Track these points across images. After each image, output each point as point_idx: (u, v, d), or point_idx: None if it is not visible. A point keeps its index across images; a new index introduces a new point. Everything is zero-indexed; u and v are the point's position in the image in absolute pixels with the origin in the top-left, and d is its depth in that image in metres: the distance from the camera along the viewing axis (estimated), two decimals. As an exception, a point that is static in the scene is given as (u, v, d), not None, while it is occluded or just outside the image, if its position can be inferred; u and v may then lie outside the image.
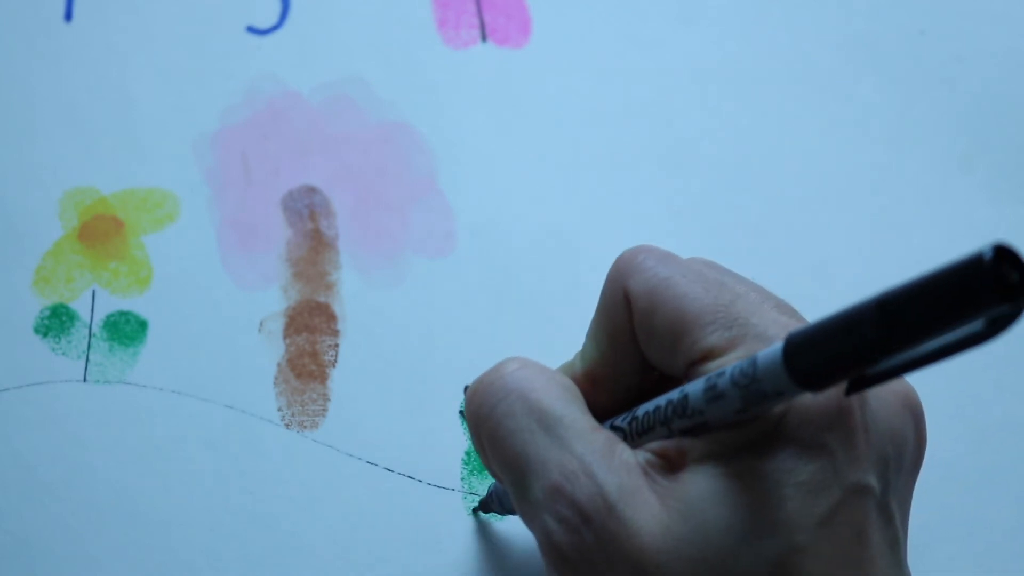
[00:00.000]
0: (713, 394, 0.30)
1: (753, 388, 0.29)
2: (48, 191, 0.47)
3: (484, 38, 0.51)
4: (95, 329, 0.45)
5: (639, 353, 0.34)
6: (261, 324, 0.45)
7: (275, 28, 0.51)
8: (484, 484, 0.43)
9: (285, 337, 0.45)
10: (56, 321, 0.45)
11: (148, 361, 0.45)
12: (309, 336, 0.45)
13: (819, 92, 0.51)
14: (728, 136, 0.50)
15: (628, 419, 0.33)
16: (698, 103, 0.51)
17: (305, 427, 0.44)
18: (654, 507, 0.30)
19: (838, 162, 0.50)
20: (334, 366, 0.45)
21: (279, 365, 0.45)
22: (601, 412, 0.34)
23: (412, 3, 0.52)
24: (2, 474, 0.42)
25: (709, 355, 0.31)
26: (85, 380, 0.44)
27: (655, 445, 0.32)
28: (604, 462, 0.31)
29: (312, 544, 0.42)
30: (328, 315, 0.46)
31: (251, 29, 0.51)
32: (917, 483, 0.34)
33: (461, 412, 0.44)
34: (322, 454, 0.43)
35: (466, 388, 0.44)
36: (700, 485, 0.30)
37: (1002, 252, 0.23)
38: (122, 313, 0.45)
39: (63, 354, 0.45)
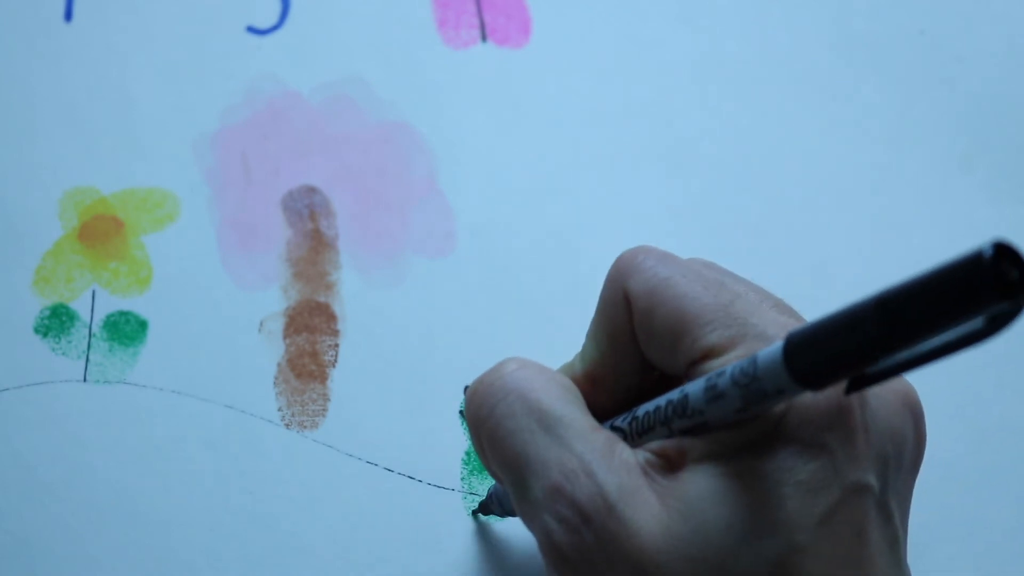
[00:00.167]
0: (713, 393, 0.30)
1: (753, 387, 0.29)
2: (48, 191, 0.47)
3: (484, 38, 0.51)
4: (95, 329, 0.45)
5: (639, 353, 0.34)
6: (261, 324, 0.45)
7: (275, 28, 0.51)
8: (484, 484, 0.43)
9: (285, 337, 0.45)
10: (56, 321, 0.45)
11: (148, 361, 0.45)
12: (309, 336, 0.45)
13: (819, 92, 0.51)
14: (728, 136, 0.50)
15: (628, 419, 0.33)
16: (698, 103, 0.51)
17: (305, 427, 0.44)
18: (654, 507, 0.30)
19: (838, 162, 0.50)
20: (334, 366, 0.45)
21: (279, 365, 0.45)
22: (601, 413, 0.34)
23: (412, 3, 0.52)
24: (2, 474, 0.42)
25: (709, 354, 0.31)
26: (85, 380, 0.44)
27: (655, 445, 0.32)
28: (604, 462, 0.31)
29: (312, 544, 0.42)
30: (328, 315, 0.46)
31: (251, 29, 0.51)
32: (917, 483, 0.34)
33: (461, 412, 0.44)
34: (322, 454, 0.43)
35: (466, 388, 0.44)
36: (700, 485, 0.30)
37: (1002, 249, 0.23)
38: (122, 313, 0.45)
39: (63, 354, 0.45)
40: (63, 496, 0.42)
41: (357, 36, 0.51)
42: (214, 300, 0.46)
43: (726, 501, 0.30)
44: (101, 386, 0.44)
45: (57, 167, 0.48)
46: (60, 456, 0.43)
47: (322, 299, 0.46)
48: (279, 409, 0.44)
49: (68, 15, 0.51)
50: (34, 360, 0.44)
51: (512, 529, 0.42)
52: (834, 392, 0.30)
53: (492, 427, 0.33)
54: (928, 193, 0.49)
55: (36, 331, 0.45)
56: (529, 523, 0.33)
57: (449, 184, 0.48)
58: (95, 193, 0.48)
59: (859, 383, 0.28)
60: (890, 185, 0.49)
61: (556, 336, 0.43)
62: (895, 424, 0.32)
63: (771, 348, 0.28)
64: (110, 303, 0.46)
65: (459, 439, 0.44)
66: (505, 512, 0.40)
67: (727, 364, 0.30)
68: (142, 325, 0.45)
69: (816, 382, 0.28)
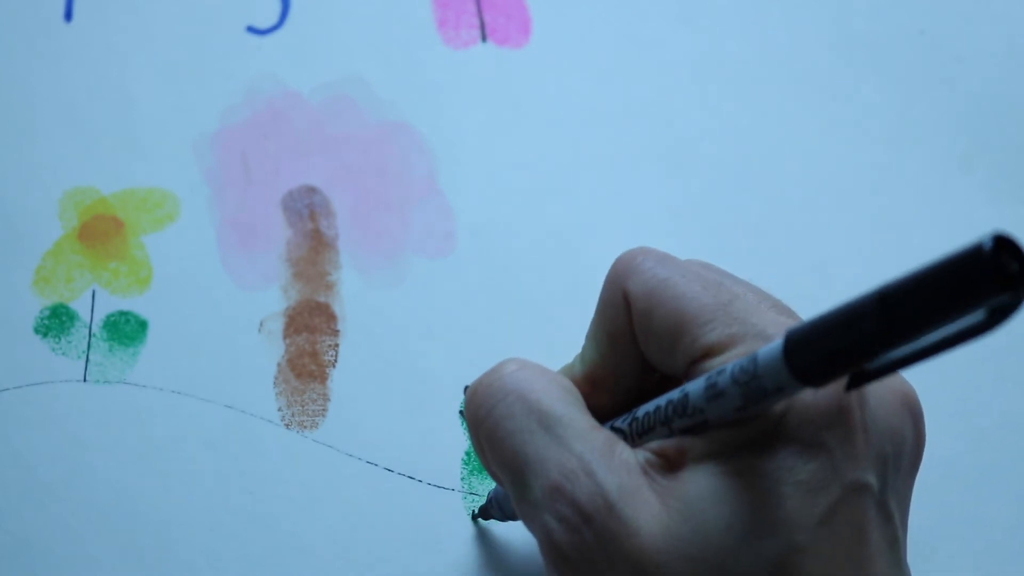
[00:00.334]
0: (713, 392, 0.30)
1: (753, 385, 0.29)
2: (48, 191, 0.47)
3: (484, 38, 0.51)
4: (95, 329, 0.45)
5: (639, 354, 0.34)
6: (261, 324, 0.45)
7: (275, 28, 0.51)
8: (484, 484, 0.43)
9: (285, 337, 0.45)
10: (56, 321, 0.45)
11: (148, 361, 0.45)
12: (309, 336, 0.45)
13: (819, 92, 0.51)
14: (728, 136, 0.50)
15: (628, 420, 0.33)
16: (698, 103, 0.51)
17: (305, 427, 0.44)
18: (654, 506, 0.30)
19: (838, 162, 0.50)
20: (334, 366, 0.45)
21: (279, 365, 0.45)
22: (602, 414, 0.34)
23: (412, 3, 0.52)
24: (2, 474, 0.42)
25: (709, 353, 0.31)
26: (85, 380, 0.44)
27: (655, 445, 0.32)
28: (604, 461, 0.31)
29: (312, 544, 0.42)
30: (328, 315, 0.46)
31: (251, 29, 0.51)
32: (917, 482, 0.34)
33: (461, 412, 0.44)
34: (322, 454, 0.43)
35: (466, 388, 0.44)
36: (700, 484, 0.30)
37: (1002, 242, 0.23)
38: (122, 313, 0.45)
39: (63, 354, 0.45)
40: (63, 496, 0.42)
41: (357, 36, 0.51)
42: (214, 300, 0.46)
43: (726, 500, 0.30)
44: (101, 386, 0.44)
45: (57, 167, 0.48)
46: (60, 456, 0.43)
47: (322, 299, 0.46)
48: (279, 409, 0.44)
49: (68, 15, 0.51)
50: (34, 360, 0.44)
51: (512, 529, 0.42)
52: (834, 392, 0.30)
53: (491, 427, 0.33)
54: (928, 193, 0.49)
55: (36, 331, 0.45)
56: (529, 523, 0.33)
57: (449, 184, 0.48)
58: (95, 193, 0.48)
59: (859, 379, 0.28)
60: (890, 185, 0.49)
61: (556, 336, 0.43)
62: (894, 424, 0.32)
63: (771, 345, 0.28)
64: (110, 303, 0.46)
65: (459, 439, 0.44)
66: (505, 516, 0.40)
67: (727, 362, 0.30)
68: (142, 325, 0.45)
69: (816, 379, 0.28)
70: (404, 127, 0.49)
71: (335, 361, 0.45)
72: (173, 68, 0.50)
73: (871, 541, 0.30)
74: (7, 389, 0.44)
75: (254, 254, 0.47)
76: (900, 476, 0.32)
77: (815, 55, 0.52)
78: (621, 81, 0.51)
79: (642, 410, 0.33)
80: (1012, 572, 0.43)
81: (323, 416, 0.44)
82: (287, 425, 0.44)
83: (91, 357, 0.45)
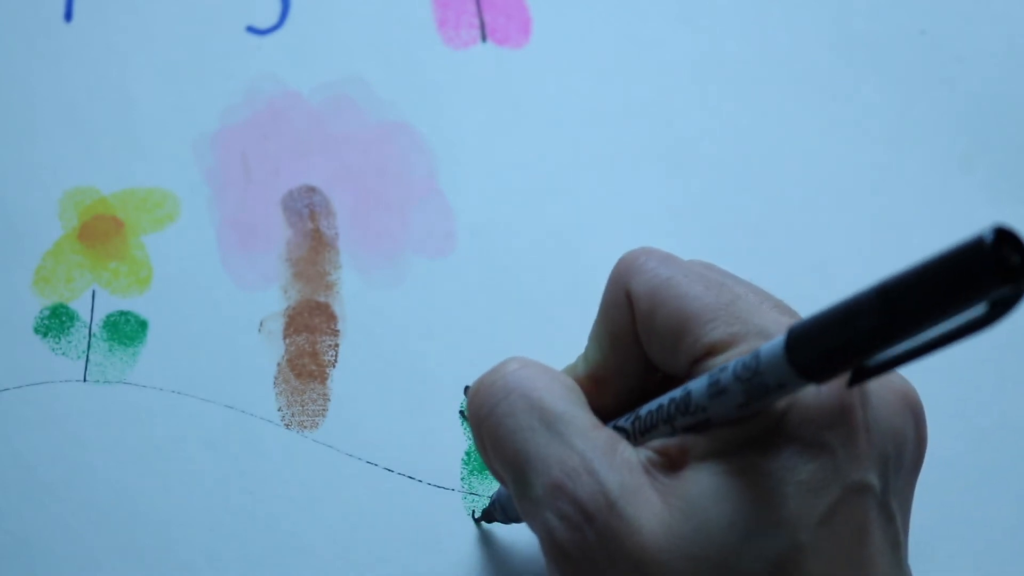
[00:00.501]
0: (716, 389, 0.30)
1: (756, 381, 0.29)
2: (48, 191, 0.47)
3: (484, 38, 0.51)
4: (95, 329, 0.45)
5: (642, 354, 0.34)
6: (261, 324, 0.45)
7: (275, 28, 0.51)
8: (484, 484, 0.43)
9: (285, 337, 0.45)
10: (56, 321, 0.45)
11: (148, 361, 0.45)
12: (309, 336, 0.45)
13: (819, 92, 0.51)
14: (728, 136, 0.50)
15: (631, 419, 0.33)
16: (698, 103, 0.51)
17: (305, 427, 0.44)
18: (655, 505, 0.30)
19: (838, 162, 0.50)
20: (334, 366, 0.45)
21: (279, 365, 0.45)
22: (604, 414, 0.34)
23: (412, 3, 0.52)
24: (2, 474, 0.42)
25: (711, 352, 0.31)
26: (85, 380, 0.44)
27: (657, 443, 0.32)
28: (606, 460, 0.31)
29: (312, 544, 0.42)
30: (328, 315, 0.46)
31: (251, 29, 0.51)
32: (917, 483, 0.34)
33: (461, 412, 0.44)
34: (322, 454, 0.43)
35: (466, 388, 0.44)
36: (702, 483, 0.30)
37: (1003, 234, 0.23)
38: (122, 313, 0.45)
39: (63, 354, 0.45)
40: (63, 496, 0.42)
41: (357, 36, 0.51)
42: (214, 300, 0.46)
43: (728, 499, 0.30)
44: (101, 386, 0.44)
45: (57, 167, 0.48)
46: (60, 456, 0.43)
47: (322, 299, 0.46)
48: (279, 409, 0.44)
49: (68, 15, 0.51)
50: (34, 360, 0.44)
51: (512, 529, 0.42)
52: (836, 391, 0.30)
53: (494, 425, 0.33)
54: (928, 193, 0.49)
55: (36, 331, 0.45)
56: (530, 521, 0.33)
57: (449, 184, 0.48)
58: (95, 193, 0.48)
59: (861, 375, 0.28)
60: (890, 185, 0.49)
61: (556, 336, 0.43)
62: (896, 424, 0.32)
63: (773, 342, 0.28)
64: (110, 303, 0.46)
65: (459, 439, 0.44)
66: (508, 519, 0.40)
67: (729, 361, 0.30)
68: (142, 325, 0.45)
69: (818, 374, 0.28)
70: (404, 127, 0.49)
71: (335, 361, 0.45)
72: (173, 68, 0.50)
73: (873, 541, 0.30)
74: (7, 389, 0.44)
75: (254, 254, 0.47)
76: (902, 476, 0.32)
77: (815, 55, 0.52)
78: (621, 81, 0.51)
79: (645, 408, 0.33)
80: (1012, 572, 0.43)
81: (323, 416, 0.44)
82: (287, 425, 0.44)
83: (91, 357, 0.45)
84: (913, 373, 0.31)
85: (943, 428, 0.41)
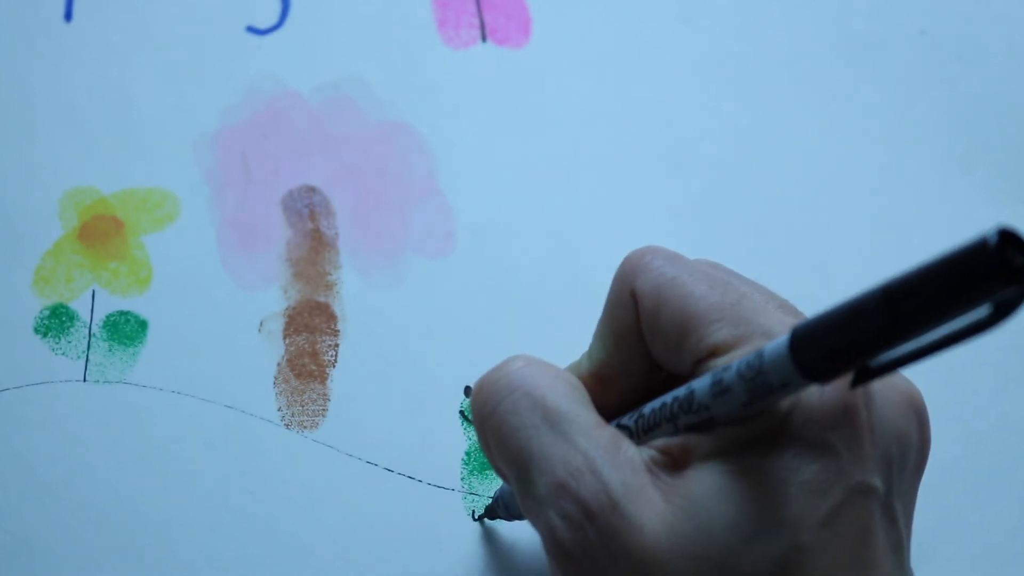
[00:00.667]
0: (719, 388, 0.30)
1: (759, 381, 0.29)
2: (48, 191, 0.47)
3: (484, 38, 0.51)
4: (95, 329, 0.45)
5: (646, 353, 0.34)
6: (261, 324, 0.45)
7: (275, 28, 0.51)
8: (484, 484, 0.43)
9: (285, 337, 0.45)
10: (56, 321, 0.45)
11: (148, 361, 0.45)
12: (309, 336, 0.45)
13: (819, 92, 0.51)
14: (728, 136, 0.50)
15: (634, 417, 0.33)
16: (698, 103, 0.51)
17: (305, 427, 0.44)
18: (658, 504, 0.30)
19: (838, 162, 0.50)
20: (334, 366, 0.45)
21: (279, 365, 0.45)
22: (608, 413, 0.34)
23: (412, 3, 0.52)
24: (2, 474, 0.42)
25: (715, 352, 0.31)
26: (85, 380, 0.44)
27: (660, 443, 0.32)
28: (609, 459, 0.31)
29: (312, 544, 0.42)
30: (328, 315, 0.46)
31: (251, 29, 0.51)
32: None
33: (461, 412, 0.44)
34: (322, 454, 0.43)
35: (467, 389, 0.44)
36: (704, 483, 0.30)
37: (1007, 236, 0.23)
38: (122, 313, 0.45)
39: (63, 354, 0.45)
40: (63, 496, 0.42)
41: (357, 36, 0.51)
42: (214, 300, 0.46)
43: (731, 499, 0.30)
44: (101, 386, 0.44)
45: (57, 167, 0.48)
46: (60, 456, 0.43)
47: (322, 299, 0.46)
48: (279, 409, 0.44)
49: (68, 15, 0.51)
50: (34, 360, 0.44)
51: (513, 528, 0.42)
52: (840, 392, 0.30)
53: (497, 423, 0.33)
54: (928, 193, 0.49)
55: (36, 331, 0.45)
56: (533, 519, 0.33)
57: (449, 184, 0.48)
58: (95, 193, 0.47)
59: (865, 376, 0.28)
60: (890, 185, 0.49)
61: (556, 336, 0.43)
62: (900, 426, 0.32)
63: (777, 341, 0.28)
64: (110, 303, 0.46)
65: (459, 439, 0.44)
66: (511, 516, 0.40)
67: (733, 360, 0.30)
68: (142, 325, 0.45)
69: (822, 375, 0.28)
70: (404, 127, 0.49)
71: (335, 361, 0.45)
72: (173, 68, 0.50)
73: (875, 543, 0.30)
74: (7, 389, 0.44)
75: (254, 254, 0.47)
76: (905, 478, 0.32)
77: (815, 55, 0.52)
78: (621, 81, 0.51)
79: (648, 407, 0.33)
80: (1012, 572, 0.43)
81: (323, 416, 0.44)
82: (287, 425, 0.44)
83: (91, 357, 0.45)
84: (913, 375, 0.31)
85: (942, 431, 0.41)
